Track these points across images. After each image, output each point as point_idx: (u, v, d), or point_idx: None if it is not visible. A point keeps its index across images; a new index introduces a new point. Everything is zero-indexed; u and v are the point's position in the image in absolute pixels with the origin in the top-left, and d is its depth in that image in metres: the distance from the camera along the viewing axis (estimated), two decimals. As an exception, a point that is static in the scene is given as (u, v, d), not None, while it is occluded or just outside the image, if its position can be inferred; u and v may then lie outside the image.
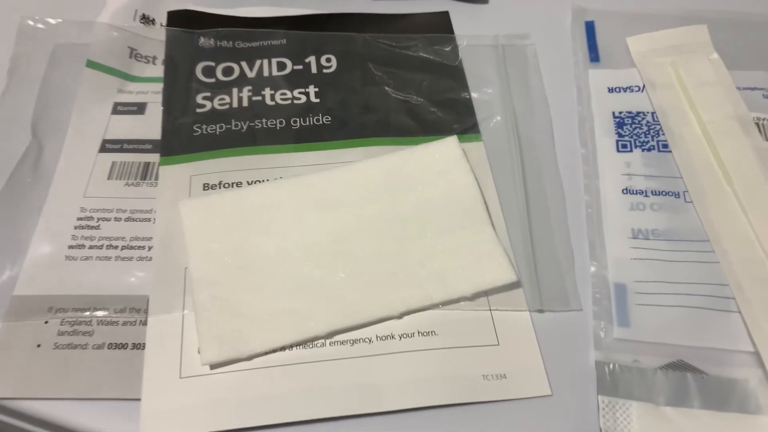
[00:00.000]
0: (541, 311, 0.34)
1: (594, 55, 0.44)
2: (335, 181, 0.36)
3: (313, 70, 0.42)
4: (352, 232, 0.34)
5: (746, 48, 0.44)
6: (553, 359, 0.32)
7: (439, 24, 0.45)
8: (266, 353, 0.31)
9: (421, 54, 0.43)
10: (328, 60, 0.43)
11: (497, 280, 0.33)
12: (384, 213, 0.35)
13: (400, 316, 0.32)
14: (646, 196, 0.37)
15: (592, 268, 0.35)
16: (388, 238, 0.34)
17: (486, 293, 0.33)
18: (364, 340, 0.32)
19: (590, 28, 0.45)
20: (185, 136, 0.38)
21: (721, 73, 0.41)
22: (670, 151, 0.39)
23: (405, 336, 0.32)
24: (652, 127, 0.40)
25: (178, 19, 0.44)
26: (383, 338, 0.32)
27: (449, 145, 0.37)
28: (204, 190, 0.36)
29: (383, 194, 0.36)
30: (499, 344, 0.32)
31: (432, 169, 0.37)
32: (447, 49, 0.43)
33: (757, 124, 0.39)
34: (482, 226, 0.35)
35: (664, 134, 0.39)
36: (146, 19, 0.44)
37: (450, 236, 0.35)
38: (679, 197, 0.37)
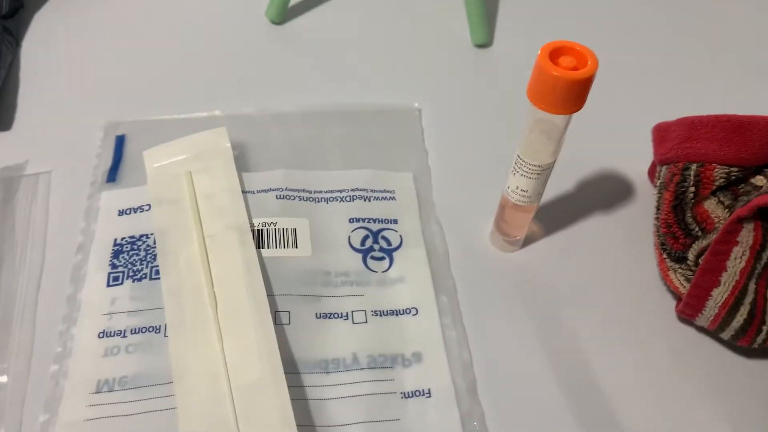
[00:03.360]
0: None
1: (113, 174, 0.40)
2: None
3: None
4: None
5: (268, 146, 0.42)
6: None
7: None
8: None
9: None
10: None
11: None
12: None
13: None
14: (124, 336, 0.33)
15: (40, 442, 0.30)
16: None
17: None
18: None
19: (120, 144, 0.42)
20: None
21: (232, 179, 0.39)
22: (164, 278, 0.35)
23: None
24: (151, 251, 0.36)
25: None
26: None
27: None
28: None
29: None
30: None
31: None
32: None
33: (260, 231, 0.37)
34: None
35: (163, 258, 0.36)
36: None
37: None
38: (159, 332, 0.33)
